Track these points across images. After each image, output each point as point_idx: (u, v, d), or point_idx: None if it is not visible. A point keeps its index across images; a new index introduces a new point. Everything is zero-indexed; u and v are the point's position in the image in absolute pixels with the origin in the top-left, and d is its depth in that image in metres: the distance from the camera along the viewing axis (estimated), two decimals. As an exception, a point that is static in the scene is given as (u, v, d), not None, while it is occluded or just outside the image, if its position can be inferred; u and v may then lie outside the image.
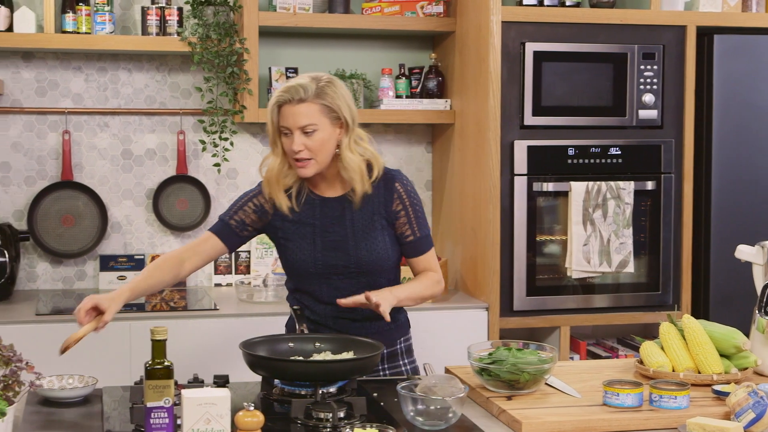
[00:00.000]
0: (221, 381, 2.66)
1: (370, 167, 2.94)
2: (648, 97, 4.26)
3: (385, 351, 2.95)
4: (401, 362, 3.03)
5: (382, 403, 2.59)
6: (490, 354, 2.69)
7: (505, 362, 2.60)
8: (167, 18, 4.31)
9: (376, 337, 2.85)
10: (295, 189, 2.94)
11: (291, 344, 2.78)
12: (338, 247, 2.91)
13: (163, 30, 4.31)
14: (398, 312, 3.00)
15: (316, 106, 2.82)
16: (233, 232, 2.98)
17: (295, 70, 4.49)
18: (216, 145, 4.46)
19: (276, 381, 2.63)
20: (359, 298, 2.76)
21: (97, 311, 2.65)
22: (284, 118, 2.84)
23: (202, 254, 2.97)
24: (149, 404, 2.22)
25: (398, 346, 3.03)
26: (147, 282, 2.87)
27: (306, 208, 2.94)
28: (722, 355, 2.80)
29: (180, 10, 4.33)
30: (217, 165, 4.47)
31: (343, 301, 2.79)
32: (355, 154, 2.89)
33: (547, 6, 4.25)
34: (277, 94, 2.86)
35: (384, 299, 2.75)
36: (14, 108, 4.36)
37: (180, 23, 4.32)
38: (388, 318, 2.74)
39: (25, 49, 4.25)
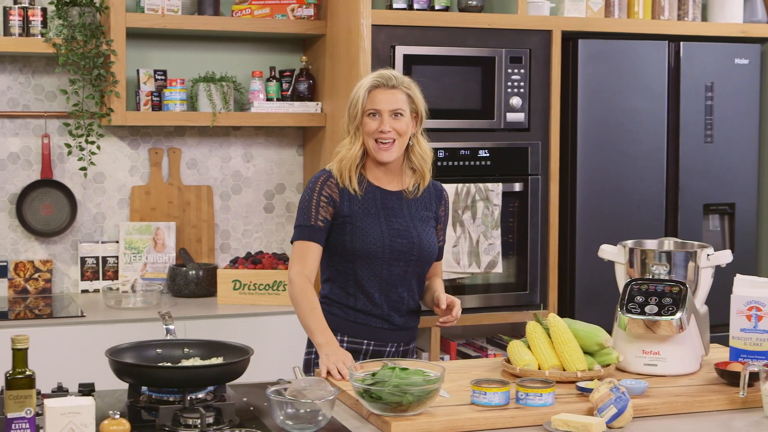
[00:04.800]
0: (86, 389, 2.61)
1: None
2: (515, 101, 4.34)
3: (411, 346, 3.24)
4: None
5: (252, 408, 2.58)
6: (373, 374, 2.57)
7: (387, 383, 2.48)
8: (30, 18, 4.20)
9: (411, 332, 3.20)
10: (357, 179, 3.12)
11: (159, 350, 2.74)
12: (402, 234, 3.11)
13: (26, 31, 4.20)
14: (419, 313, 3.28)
15: (404, 95, 3.10)
16: (323, 230, 3.11)
17: (164, 73, 4.43)
18: (82, 149, 4.36)
19: (143, 388, 2.59)
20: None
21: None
22: (375, 101, 3.07)
23: (315, 265, 3.10)
24: (10, 415, 2.16)
25: (413, 344, 3.27)
26: (323, 317, 3.04)
27: (367, 197, 3.12)
28: (586, 353, 2.86)
29: (44, 10, 4.22)
30: (83, 169, 4.37)
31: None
32: (427, 144, 3.18)
33: (417, 10, 4.29)
34: (369, 79, 3.09)
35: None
36: None
37: (44, 24, 4.22)
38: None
39: None
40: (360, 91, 3.09)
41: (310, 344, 3.17)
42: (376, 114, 3.07)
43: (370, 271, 3.10)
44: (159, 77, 4.43)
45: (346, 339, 3.12)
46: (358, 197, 3.10)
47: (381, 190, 3.14)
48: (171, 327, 2.86)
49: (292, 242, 3.14)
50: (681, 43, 4.56)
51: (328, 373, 2.81)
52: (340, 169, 3.11)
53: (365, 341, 3.13)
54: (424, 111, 3.15)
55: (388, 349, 3.15)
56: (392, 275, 3.11)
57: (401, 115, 3.08)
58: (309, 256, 3.09)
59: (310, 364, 3.14)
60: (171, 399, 2.53)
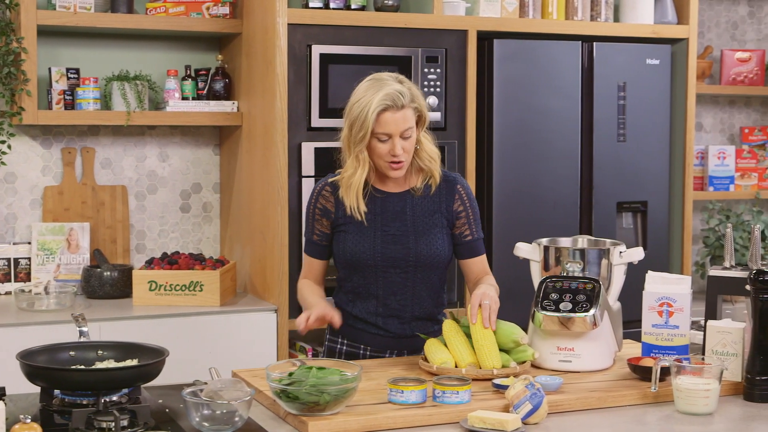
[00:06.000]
0: (-3, 394, 2.56)
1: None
2: (432, 100, 4.36)
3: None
4: None
5: (167, 410, 2.55)
6: (290, 374, 2.55)
7: (304, 383, 2.46)
8: (-62, 15, 4.12)
9: (416, 340, 3.05)
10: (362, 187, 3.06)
11: (72, 353, 2.70)
12: (397, 240, 3.05)
13: (-67, 28, 4.12)
14: (441, 315, 3.19)
15: (411, 111, 2.98)
16: (322, 246, 3.13)
17: (77, 71, 4.37)
18: (-7, 148, 4.29)
19: (56, 391, 2.55)
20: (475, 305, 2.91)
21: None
22: (385, 124, 2.94)
23: (318, 276, 3.18)
24: None
25: None
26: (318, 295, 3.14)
27: (368, 203, 3.06)
28: (502, 350, 2.88)
29: (-49, 7, 4.14)
30: (-6, 169, 4.30)
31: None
32: (432, 144, 3.09)
33: (333, 9, 4.29)
34: (377, 101, 2.92)
35: (495, 302, 2.92)
36: None
37: (-48, 21, 4.13)
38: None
39: None
40: (368, 114, 2.92)
41: (332, 332, 3.19)
42: (386, 138, 2.96)
43: (365, 279, 3.07)
44: (72, 76, 4.36)
45: (346, 342, 3.16)
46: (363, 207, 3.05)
47: (385, 194, 3.08)
48: (84, 329, 2.83)
49: None
50: (594, 43, 4.63)
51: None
52: (348, 195, 3.02)
53: (362, 346, 3.14)
54: (426, 113, 3.05)
55: (386, 355, 3.13)
56: (390, 283, 3.05)
57: (411, 133, 2.98)
58: (312, 268, 3.16)
59: (335, 353, 3.18)
60: (84, 402, 2.49)
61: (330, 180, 3.10)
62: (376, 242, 3.04)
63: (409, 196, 3.09)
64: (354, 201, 3.02)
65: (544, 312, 2.90)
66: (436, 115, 4.38)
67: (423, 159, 3.07)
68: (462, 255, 3.15)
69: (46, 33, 4.29)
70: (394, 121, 2.94)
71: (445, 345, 2.91)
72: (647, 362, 2.83)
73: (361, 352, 3.14)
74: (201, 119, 4.44)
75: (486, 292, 2.93)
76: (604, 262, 2.99)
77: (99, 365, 2.64)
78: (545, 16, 4.66)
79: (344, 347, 3.16)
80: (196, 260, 4.31)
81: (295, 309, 4.17)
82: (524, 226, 4.45)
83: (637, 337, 3.11)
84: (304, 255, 3.19)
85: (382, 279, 3.06)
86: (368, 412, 2.48)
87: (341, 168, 3.07)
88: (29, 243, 4.40)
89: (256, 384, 2.69)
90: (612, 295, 3.00)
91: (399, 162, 2.99)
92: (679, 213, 4.91)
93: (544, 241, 3.09)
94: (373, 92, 2.95)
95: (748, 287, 2.76)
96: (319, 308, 2.98)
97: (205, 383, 2.48)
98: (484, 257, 3.18)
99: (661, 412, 2.63)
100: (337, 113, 4.21)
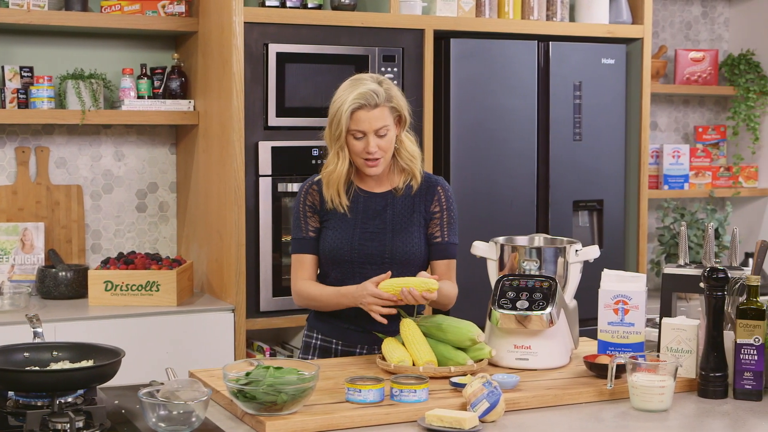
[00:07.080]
0: (-50, 396, 2.53)
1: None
2: (389, 99, 4.35)
3: None
4: None
5: (123, 411, 2.54)
6: (247, 374, 2.53)
7: (261, 382, 2.45)
8: None
9: (393, 335, 2.99)
10: (346, 186, 3.14)
11: (26, 354, 2.67)
12: (375, 237, 3.12)
13: None
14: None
15: (387, 109, 3.06)
16: (316, 240, 3.17)
17: (31, 70, 4.32)
18: (-55, 148, 4.24)
19: (10, 393, 2.52)
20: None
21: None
22: (359, 122, 3.03)
23: (312, 272, 3.19)
24: None
25: None
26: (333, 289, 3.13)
27: (352, 202, 3.14)
28: (459, 348, 2.89)
29: None
30: (-54, 168, 4.25)
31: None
32: (414, 144, 3.16)
33: (290, 8, 4.28)
34: (350, 100, 3.02)
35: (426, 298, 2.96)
36: None
37: None
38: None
39: None
40: (342, 113, 3.02)
41: (309, 328, 3.26)
42: (361, 135, 3.04)
43: (343, 274, 3.13)
44: (25, 74, 4.32)
45: (320, 337, 3.22)
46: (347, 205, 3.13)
47: (367, 193, 3.15)
48: (39, 330, 2.80)
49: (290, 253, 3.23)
50: (550, 43, 4.65)
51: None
52: (329, 189, 3.11)
53: (335, 341, 3.19)
54: (407, 113, 3.12)
55: (357, 350, 3.18)
56: (365, 279, 3.05)
57: (386, 131, 3.06)
58: (305, 265, 3.17)
59: (310, 347, 3.24)
60: (39, 404, 2.47)
61: (316, 178, 3.19)
62: (354, 239, 3.11)
63: (391, 196, 3.17)
64: (335, 194, 3.11)
65: (501, 310, 2.92)
66: (394, 114, 4.38)
67: (404, 158, 3.15)
68: (429, 256, 3.20)
69: (-1, 31, 4.26)
70: (368, 119, 3.03)
71: (403, 344, 2.92)
72: (603, 359, 2.84)
73: (334, 346, 3.19)
74: (157, 118, 4.41)
75: (442, 289, 3.01)
76: (560, 260, 3.01)
77: (54, 366, 2.62)
78: (501, 15, 4.68)
79: (318, 342, 3.22)
80: (153, 260, 4.28)
81: (252, 309, 4.17)
82: (481, 224, 4.46)
83: (593, 334, 3.13)
84: (295, 256, 3.19)
85: (359, 275, 3.09)
86: (326, 412, 2.48)
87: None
88: (-18, 243, 4.36)
89: (213, 384, 2.68)
90: (568, 293, 3.02)
91: (374, 160, 3.07)
92: (635, 211, 4.95)
93: (501, 239, 3.11)
94: (349, 92, 3.05)
95: (702, 285, 2.80)
96: (365, 290, 2.97)
97: (162, 384, 2.46)
98: (451, 263, 3.20)
99: (616, 408, 2.65)
100: (294, 112, 4.23)
